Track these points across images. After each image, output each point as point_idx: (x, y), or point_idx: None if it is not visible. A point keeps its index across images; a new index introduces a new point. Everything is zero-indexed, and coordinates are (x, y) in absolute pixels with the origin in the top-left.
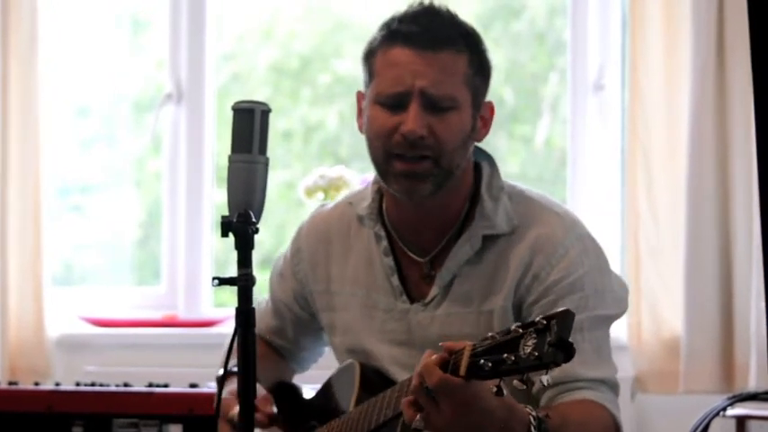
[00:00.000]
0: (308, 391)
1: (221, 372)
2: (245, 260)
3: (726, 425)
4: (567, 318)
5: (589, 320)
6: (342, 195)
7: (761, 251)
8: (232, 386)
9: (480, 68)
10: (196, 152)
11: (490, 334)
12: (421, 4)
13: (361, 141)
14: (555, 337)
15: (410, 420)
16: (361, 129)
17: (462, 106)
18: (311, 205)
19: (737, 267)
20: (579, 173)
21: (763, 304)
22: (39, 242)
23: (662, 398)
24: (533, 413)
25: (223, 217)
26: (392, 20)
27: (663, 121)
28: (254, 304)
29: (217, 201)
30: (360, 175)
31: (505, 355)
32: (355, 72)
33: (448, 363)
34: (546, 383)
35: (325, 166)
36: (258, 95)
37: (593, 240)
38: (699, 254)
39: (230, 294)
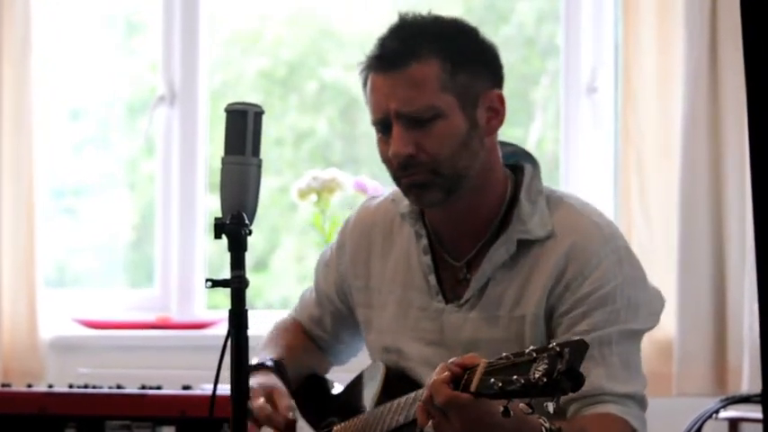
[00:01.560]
0: (340, 388)
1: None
2: (238, 262)
3: (718, 427)
4: (580, 348)
5: (618, 334)
6: (329, 194)
7: (754, 254)
8: (258, 378)
9: (462, 65)
10: (189, 154)
11: (504, 354)
12: (397, 19)
13: (351, 146)
14: (566, 366)
15: (423, 425)
16: None
17: (448, 112)
18: (304, 208)
19: (730, 270)
20: (572, 175)
21: (756, 306)
22: (32, 244)
23: (654, 400)
24: (546, 424)
25: (216, 219)
26: (372, 47)
27: (656, 124)
28: (300, 293)
29: (210, 203)
30: (353, 178)
31: (515, 377)
32: (344, 79)
33: (461, 378)
34: (552, 411)
35: (317, 169)
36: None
37: (629, 251)
38: (692, 256)
39: (224, 296)
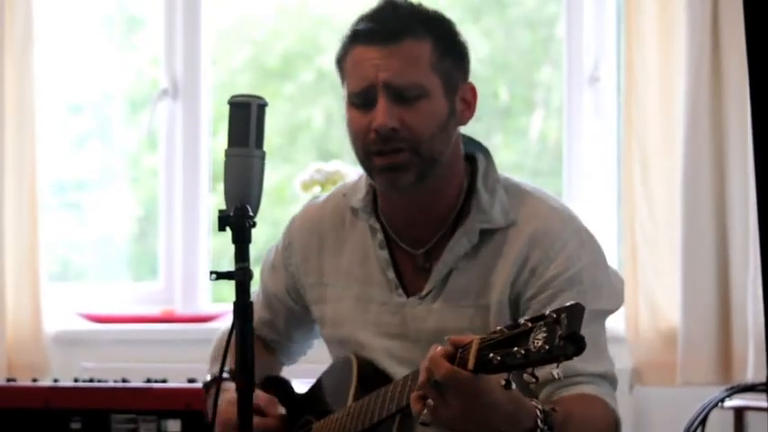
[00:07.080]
0: (299, 386)
1: (208, 377)
2: (242, 254)
3: (724, 416)
4: (577, 311)
5: (587, 314)
6: (334, 187)
7: (757, 241)
8: (229, 394)
9: (449, 51)
10: (192, 147)
11: (498, 328)
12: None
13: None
14: (566, 330)
15: (418, 413)
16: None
17: (432, 94)
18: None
19: (734, 258)
20: (575, 165)
21: (760, 294)
22: (35, 239)
23: (660, 390)
24: (539, 406)
25: (220, 211)
26: (354, 22)
27: (658, 113)
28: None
29: (213, 196)
30: (356, 169)
31: (515, 348)
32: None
33: (455, 357)
34: (557, 377)
35: (317, 162)
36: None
37: (589, 233)
38: (695, 245)
39: (228, 289)
